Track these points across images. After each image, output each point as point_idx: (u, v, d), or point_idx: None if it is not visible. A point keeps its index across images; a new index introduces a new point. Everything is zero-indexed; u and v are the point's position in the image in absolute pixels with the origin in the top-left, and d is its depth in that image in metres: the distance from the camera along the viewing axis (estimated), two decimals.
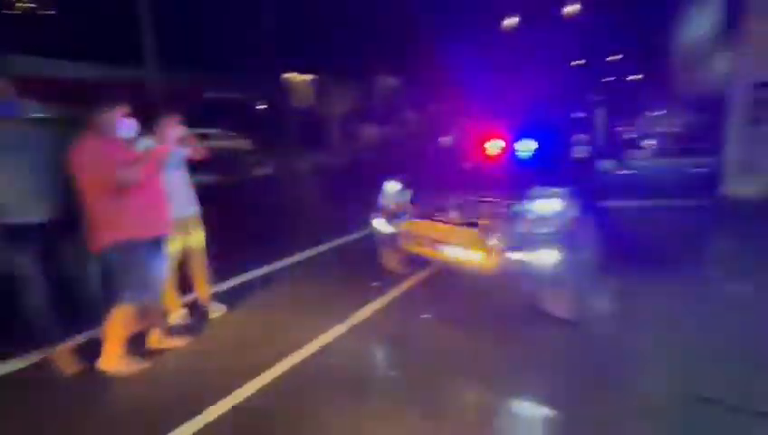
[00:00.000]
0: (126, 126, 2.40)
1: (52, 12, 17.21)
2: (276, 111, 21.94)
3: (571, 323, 2.94)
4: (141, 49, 10.07)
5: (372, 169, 13.93)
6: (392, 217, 3.34)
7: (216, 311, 3.27)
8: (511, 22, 22.41)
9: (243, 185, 11.22)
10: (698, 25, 7.62)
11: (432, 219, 3.08)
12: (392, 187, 3.45)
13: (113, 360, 2.52)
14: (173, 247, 3.00)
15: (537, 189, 2.79)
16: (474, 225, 2.90)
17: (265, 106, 23.48)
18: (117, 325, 2.47)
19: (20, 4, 17.29)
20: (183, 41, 17.12)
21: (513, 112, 4.37)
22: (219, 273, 3.95)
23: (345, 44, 22.97)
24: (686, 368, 2.46)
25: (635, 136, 3.57)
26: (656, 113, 3.66)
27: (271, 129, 20.97)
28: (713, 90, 7.33)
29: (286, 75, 25.13)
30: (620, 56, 33.94)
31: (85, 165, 2.25)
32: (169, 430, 2.02)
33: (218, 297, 3.49)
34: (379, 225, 3.45)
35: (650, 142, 3.36)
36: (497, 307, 3.36)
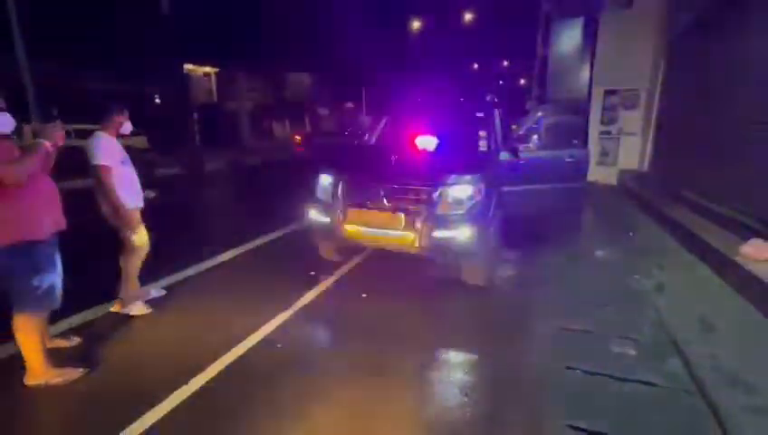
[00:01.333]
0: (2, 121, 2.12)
1: None
2: (176, 106, 20.13)
3: (483, 289, 3.56)
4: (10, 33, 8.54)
5: (289, 166, 13.83)
6: (328, 207, 3.58)
7: (140, 310, 3.24)
8: (417, 24, 23.74)
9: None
10: (566, 42, 9.20)
11: (365, 207, 3.41)
12: (325, 179, 3.68)
13: (39, 373, 2.37)
14: (142, 239, 3.15)
15: (453, 177, 3.29)
16: (403, 210, 3.30)
17: (162, 100, 21.32)
18: (26, 337, 2.30)
19: None
20: (66, 26, 14.79)
21: (429, 112, 4.92)
22: (147, 275, 3.82)
23: (253, 36, 21.97)
24: (564, 312, 3.21)
25: (524, 132, 4.34)
26: (539, 113, 4.48)
27: (171, 125, 19.20)
28: (577, 95, 8.94)
29: (187, 67, 23.18)
30: (507, 63, 38.16)
31: None
32: (117, 431, 2.00)
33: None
34: (316, 215, 3.67)
35: (535, 137, 4.13)
36: (423, 282, 3.86)
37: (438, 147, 4.12)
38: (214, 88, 26.75)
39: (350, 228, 3.45)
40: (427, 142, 4.06)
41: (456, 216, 3.24)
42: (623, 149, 8.64)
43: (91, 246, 3.57)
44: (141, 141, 18.48)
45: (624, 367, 2.50)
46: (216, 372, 2.46)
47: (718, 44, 5.29)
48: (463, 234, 3.19)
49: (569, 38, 8.87)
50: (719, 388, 2.21)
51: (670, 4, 7.35)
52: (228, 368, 2.51)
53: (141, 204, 3.21)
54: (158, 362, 2.61)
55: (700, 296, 3.39)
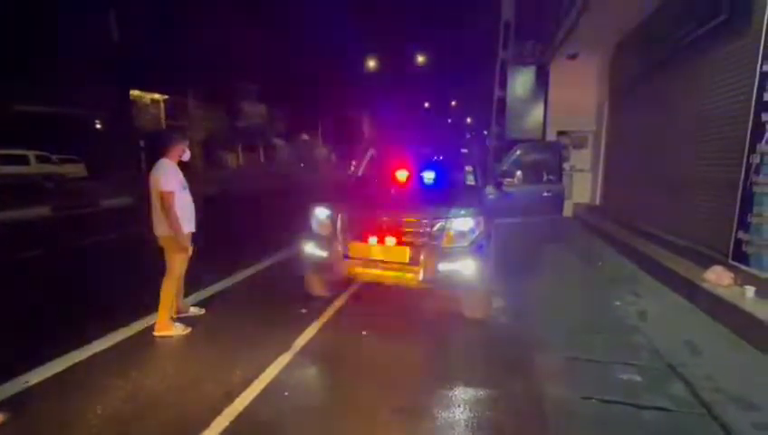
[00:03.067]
0: None
1: None
2: (120, 132, 18.84)
3: (481, 321, 3.57)
4: None
5: (249, 199, 13.32)
6: (326, 241, 3.46)
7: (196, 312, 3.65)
8: (372, 63, 24.67)
9: (92, 218, 9.22)
10: (520, 86, 10.06)
11: (368, 241, 3.33)
12: (322, 212, 3.58)
13: None
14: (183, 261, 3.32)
15: (455, 210, 3.35)
16: (407, 243, 3.28)
17: (104, 126, 19.88)
18: None
19: None
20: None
21: (418, 145, 5.05)
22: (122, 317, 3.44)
23: (206, 64, 21.49)
24: (563, 341, 3.30)
25: (507, 168, 4.59)
26: (518, 151, 4.78)
27: (113, 152, 17.84)
28: (532, 134, 9.69)
29: (133, 92, 22.02)
30: (455, 102, 40.65)
31: None
32: None
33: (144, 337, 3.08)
34: (312, 249, 3.52)
35: (519, 173, 4.38)
36: (423, 317, 3.79)
37: (433, 180, 4.20)
38: (162, 115, 25.58)
39: (351, 263, 3.34)
40: (421, 176, 4.13)
41: (460, 248, 3.27)
42: (576, 185, 9.40)
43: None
44: (78, 169, 16.96)
45: (635, 393, 2.59)
46: (221, 428, 2.19)
47: (653, 94, 6.07)
48: (467, 267, 3.21)
49: (523, 82, 9.74)
50: (726, 408, 2.35)
51: (612, 58, 8.36)
52: (236, 421, 2.24)
53: (194, 229, 3.44)
54: (158, 416, 2.27)
55: (679, 321, 3.66)
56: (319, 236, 3.54)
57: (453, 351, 3.22)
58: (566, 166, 9.51)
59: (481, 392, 2.63)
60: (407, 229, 3.32)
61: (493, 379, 2.77)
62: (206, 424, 2.19)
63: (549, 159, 4.91)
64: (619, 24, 7.01)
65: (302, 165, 29.56)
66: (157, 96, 25.04)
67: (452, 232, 3.31)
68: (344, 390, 2.69)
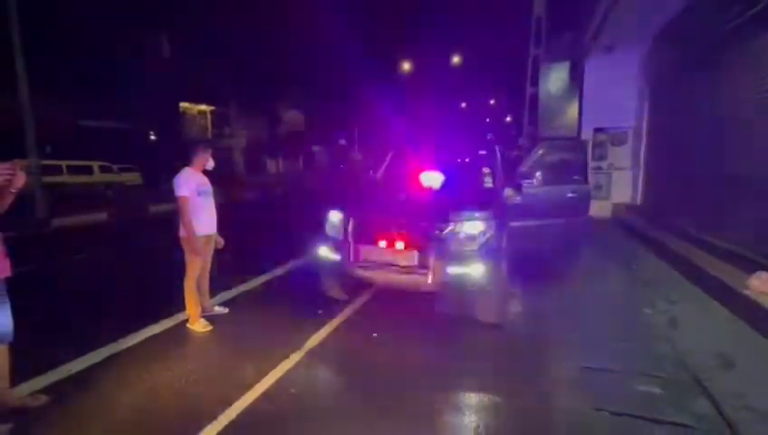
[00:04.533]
0: None
1: None
2: (171, 143, 20.27)
3: (496, 326, 3.50)
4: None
5: (285, 203, 13.83)
6: (339, 244, 3.55)
7: (220, 311, 3.90)
8: (407, 66, 24.74)
9: (139, 223, 10.02)
10: (554, 82, 9.67)
11: (378, 245, 3.38)
12: (335, 215, 3.68)
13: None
14: (197, 262, 3.50)
15: (465, 213, 3.32)
16: (415, 247, 3.29)
17: (158, 137, 21.46)
18: None
19: None
20: (61, 64, 15.05)
21: (436, 148, 5.04)
22: (156, 312, 3.74)
23: (248, 76, 22.61)
24: (581, 348, 3.16)
25: (526, 169, 4.45)
26: (540, 151, 4.62)
27: (165, 162, 19.24)
28: (567, 132, 9.28)
29: (182, 105, 23.60)
30: (494, 101, 39.68)
31: None
32: None
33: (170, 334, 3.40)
34: (326, 253, 3.63)
35: (538, 174, 4.24)
36: (433, 320, 3.77)
37: (447, 183, 4.18)
38: (209, 125, 27.17)
39: (362, 266, 3.41)
40: (435, 179, 4.12)
41: (470, 252, 3.24)
42: (615, 184, 8.89)
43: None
44: (135, 177, 18.44)
45: (652, 407, 2.43)
46: (228, 421, 2.32)
47: (699, 87, 5.62)
48: (477, 270, 3.17)
49: (557, 79, 9.34)
50: (753, 429, 2.16)
51: (651, 49, 7.85)
52: (241, 416, 2.37)
53: (212, 232, 3.66)
54: (168, 407, 2.46)
55: (713, 330, 3.38)
56: (332, 239, 3.63)
57: (464, 356, 3.18)
58: (604, 164, 9.04)
59: (489, 399, 2.58)
60: (416, 233, 3.33)
61: (503, 386, 2.71)
62: (214, 417, 2.34)
63: (574, 158, 4.69)
64: (658, 10, 6.57)
65: (342, 166, 30.16)
66: (203, 107, 26.62)
67: (461, 235, 3.28)
68: (348, 391, 2.75)
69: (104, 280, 5.17)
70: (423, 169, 4.21)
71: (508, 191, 4.25)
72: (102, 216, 10.08)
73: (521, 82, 11.54)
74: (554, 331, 3.51)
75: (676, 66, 6.50)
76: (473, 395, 2.63)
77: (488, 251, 3.27)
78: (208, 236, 3.63)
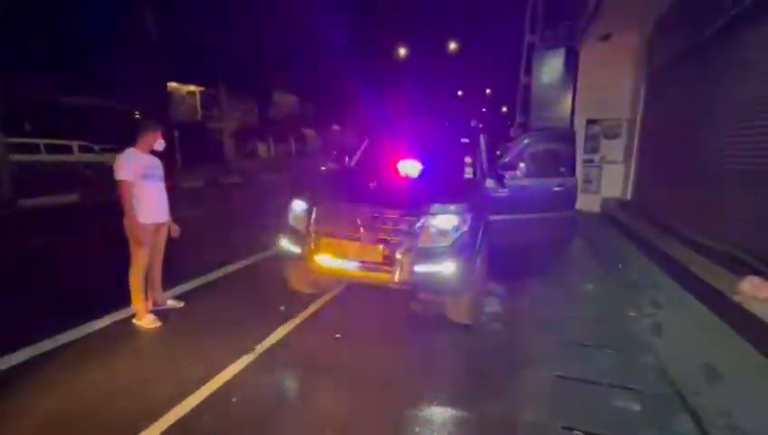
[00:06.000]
0: None
1: None
2: (159, 123, 19.65)
3: (468, 327, 3.25)
4: None
5: (271, 187, 13.44)
6: (300, 236, 3.25)
7: (175, 305, 3.59)
8: (403, 51, 24.15)
9: (113, 206, 9.58)
10: (548, 71, 9.32)
11: (340, 238, 3.09)
12: (298, 204, 3.37)
13: None
14: (142, 253, 3.18)
15: (437, 206, 3.02)
16: (381, 241, 3.00)
17: (144, 117, 20.79)
18: None
19: None
20: (46, 40, 14.38)
21: (413, 135, 4.71)
22: (107, 304, 3.47)
23: (239, 56, 21.89)
24: (559, 356, 2.92)
25: (509, 159, 4.16)
26: (525, 140, 4.32)
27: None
28: (559, 123, 8.99)
29: (171, 84, 22.87)
30: (489, 91, 39.25)
31: None
32: None
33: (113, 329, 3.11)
34: (286, 244, 3.33)
35: (522, 165, 3.95)
36: (405, 320, 3.52)
37: (422, 173, 3.88)
38: (198, 106, 26.44)
39: (322, 260, 3.12)
40: (409, 167, 3.82)
41: (440, 248, 2.95)
42: (606, 178, 8.64)
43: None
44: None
45: (629, 426, 2.21)
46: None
47: (701, 77, 5.33)
48: (447, 268, 2.89)
49: (550, 68, 8.99)
50: None
51: (649, 38, 7.52)
52: (169, 431, 2.09)
53: (161, 220, 3.33)
54: (94, 417, 2.17)
55: (700, 338, 3.16)
56: (294, 230, 3.33)
57: (430, 361, 2.93)
58: (596, 157, 8.77)
59: (449, 412, 2.33)
60: (382, 226, 3.04)
61: (466, 396, 2.47)
62: (138, 431, 2.06)
63: (562, 148, 4.41)
64: None
65: (334, 153, 29.55)
66: (193, 88, 25.86)
67: (432, 230, 2.99)
68: (296, 401, 2.48)
69: (57, 267, 4.82)
70: (399, 158, 3.90)
71: (489, 183, 3.96)
72: (75, 197, 9.65)
73: (517, 71, 11.19)
74: (530, 334, 3.28)
75: (676, 55, 6.19)
76: (435, 408, 2.37)
77: (462, 248, 2.99)
78: (158, 225, 3.31)
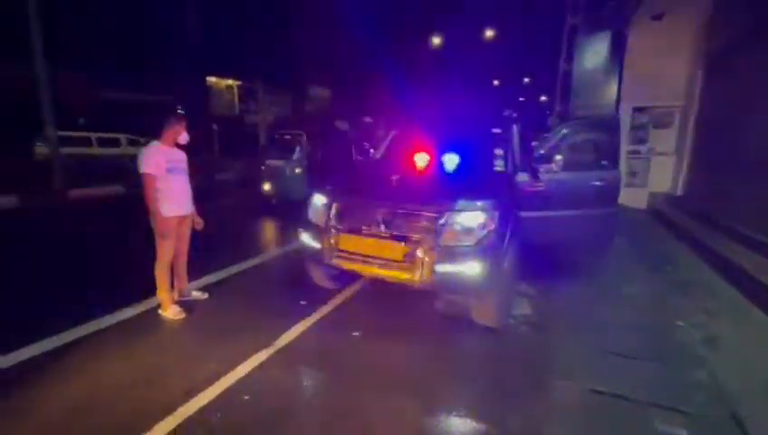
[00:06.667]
0: None
1: None
2: (197, 118, 20.41)
3: (495, 331, 3.05)
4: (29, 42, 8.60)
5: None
6: (320, 231, 3.17)
7: (199, 296, 3.62)
8: (437, 40, 23.60)
9: None
10: (591, 56, 8.69)
11: (360, 234, 2.98)
12: (319, 199, 3.29)
13: None
14: (167, 245, 3.22)
15: (462, 202, 2.84)
16: (402, 238, 2.86)
17: (185, 111, 21.68)
18: None
19: None
20: (84, 35, 15.25)
21: (439, 127, 4.50)
22: (138, 294, 3.54)
23: (276, 51, 22.25)
24: (594, 366, 2.67)
25: (545, 151, 3.86)
26: (563, 131, 4.00)
27: (191, 135, 19.37)
28: (603, 112, 8.38)
29: (209, 79, 23.64)
30: (528, 79, 37.62)
31: None
32: None
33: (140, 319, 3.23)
34: (307, 239, 3.26)
35: (558, 157, 3.65)
36: (427, 320, 3.36)
37: (447, 166, 3.68)
38: (236, 100, 27.19)
39: (341, 256, 3.02)
40: (435, 161, 3.63)
41: (465, 247, 2.77)
42: (654, 171, 7.98)
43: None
44: None
45: None
46: (168, 430, 2.04)
47: None
48: (472, 269, 2.71)
49: (594, 52, 8.37)
50: None
51: (710, 16, 6.78)
52: (173, 431, 2.06)
53: (184, 213, 3.34)
54: (110, 410, 2.20)
55: (761, 353, 2.79)
56: (313, 224, 3.26)
57: (450, 365, 2.77)
58: (643, 148, 8.12)
59: (467, 425, 2.18)
60: (402, 222, 2.89)
61: (487, 407, 2.30)
62: (150, 426, 2.06)
63: (604, 139, 4.03)
64: None
65: (366, 145, 29.53)
66: (230, 82, 26.59)
67: (456, 227, 2.81)
68: (309, 404, 2.40)
69: (97, 255, 5.05)
70: (424, 150, 3.72)
71: (522, 177, 3.70)
72: (120, 188, 10.19)
73: (557, 57, 10.54)
74: (562, 340, 3.03)
75: (745, 34, 5.52)
76: (452, 418, 2.22)
77: (488, 247, 2.79)
78: (181, 217, 3.33)
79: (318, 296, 3.65)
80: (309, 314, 3.34)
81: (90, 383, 2.44)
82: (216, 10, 19.71)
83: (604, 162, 3.97)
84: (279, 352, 2.81)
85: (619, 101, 8.12)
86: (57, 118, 9.09)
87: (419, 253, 2.77)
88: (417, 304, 3.54)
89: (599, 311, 3.54)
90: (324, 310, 3.46)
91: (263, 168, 8.08)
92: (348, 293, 3.79)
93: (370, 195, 3.12)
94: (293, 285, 3.92)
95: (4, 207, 7.77)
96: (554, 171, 3.66)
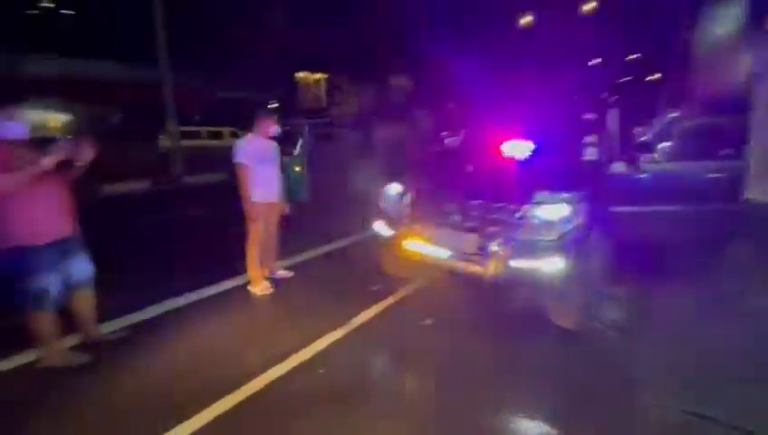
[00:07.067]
0: (11, 129, 2.33)
1: (71, 12, 17.46)
2: (288, 110, 22.03)
3: (575, 335, 2.83)
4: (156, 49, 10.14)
5: (382, 171, 13.89)
6: (393, 220, 3.24)
7: (285, 274, 3.96)
8: (526, 20, 22.02)
9: None
10: (720, 25, 7.33)
11: (434, 224, 2.97)
12: (393, 189, 3.35)
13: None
14: (261, 226, 3.55)
15: (543, 194, 2.66)
16: (476, 230, 2.79)
17: (276, 106, 23.53)
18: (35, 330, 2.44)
19: (41, 4, 17.62)
20: (196, 40, 17.33)
21: (523, 113, 4.23)
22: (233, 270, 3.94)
23: (357, 42, 22.87)
24: (691, 385, 2.32)
25: (649, 138, 3.40)
26: (672, 115, 3.48)
27: (283, 130, 20.98)
28: (734, 90, 7.03)
29: (298, 74, 25.23)
30: (637, 56, 33.10)
31: None
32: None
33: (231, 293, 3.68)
34: (380, 228, 3.36)
35: (662, 146, 3.19)
36: (500, 315, 3.25)
37: (530, 155, 3.46)
38: (323, 93, 28.61)
39: (413, 245, 3.05)
40: (515, 148, 3.44)
41: (545, 242, 2.60)
42: None
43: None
44: None
45: None
46: (243, 397, 2.27)
47: None
48: (551, 265, 2.54)
49: (726, 16, 7.02)
50: None
51: None
52: (255, 394, 2.30)
53: (273, 199, 3.64)
54: (196, 370, 2.56)
55: None
56: (386, 214, 3.34)
57: (523, 365, 2.64)
58: None
59: (537, 429, 2.08)
60: (477, 213, 2.81)
61: (563, 414, 2.16)
62: (235, 388, 2.30)
63: (726, 123, 3.42)
64: None
65: (444, 133, 28.85)
66: (318, 76, 28.03)
67: (535, 221, 2.65)
68: (377, 382, 2.51)
69: (201, 234, 5.76)
70: (504, 138, 3.54)
71: (618, 167, 3.32)
72: (224, 175, 11.52)
73: (672, 29, 9.11)
74: (655, 353, 2.67)
75: None
76: (524, 420, 2.13)
77: (571, 242, 2.59)
78: (269, 203, 3.66)
79: (391, 283, 3.73)
80: (382, 299, 3.46)
81: (187, 347, 2.83)
82: (303, 8, 20.82)
83: (726, 150, 3.37)
84: (354, 331, 2.98)
85: (756, 74, 6.73)
86: (177, 115, 10.61)
87: (493, 246, 2.68)
88: (492, 298, 3.41)
89: (706, 322, 3.05)
90: (397, 296, 3.54)
91: None
92: (419, 282, 3.81)
93: (447, 185, 3.09)
94: (368, 270, 4.06)
95: (141, 190, 9.43)
96: (657, 161, 3.21)
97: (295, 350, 2.70)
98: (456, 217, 2.87)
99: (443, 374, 2.49)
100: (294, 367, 2.54)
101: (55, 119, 14.35)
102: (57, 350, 2.53)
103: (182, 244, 5.33)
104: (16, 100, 2.46)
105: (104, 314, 2.93)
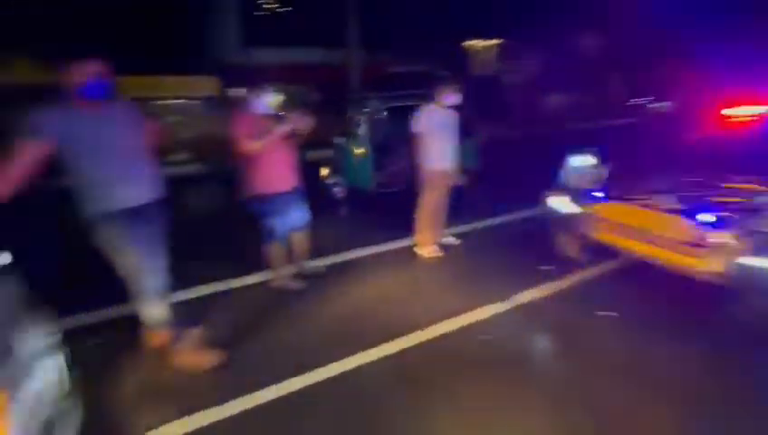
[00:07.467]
0: (261, 104, 2.99)
1: (289, 9, 20.87)
2: (452, 80, 21.66)
3: None
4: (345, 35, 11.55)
5: (549, 143, 12.49)
6: (577, 195, 2.93)
7: (451, 242, 4.12)
8: None
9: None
10: None
11: (633, 203, 2.56)
12: (581, 160, 3.00)
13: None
14: (435, 193, 3.71)
15: None
16: (691, 214, 2.28)
17: (447, 75, 23.45)
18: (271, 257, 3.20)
19: (267, 6, 21.70)
20: (374, 21, 18.56)
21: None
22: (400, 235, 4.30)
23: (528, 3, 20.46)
24: None
25: None
26: None
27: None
28: None
29: (468, 42, 24.39)
30: None
31: (230, 134, 2.90)
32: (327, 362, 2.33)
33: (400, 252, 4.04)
34: (558, 204, 3.09)
35: None
36: (712, 323, 2.59)
37: None
38: (493, 60, 26.98)
39: (603, 226, 2.71)
40: (759, 116, 2.60)
41: None
42: None
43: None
44: None
45: None
46: (409, 344, 2.49)
47: None
48: None
49: None
50: None
51: None
52: (421, 343, 2.51)
53: (448, 167, 3.73)
54: (368, 315, 2.91)
55: None
56: (569, 188, 3.03)
57: (703, 373, 2.12)
58: None
59: None
60: (699, 196, 2.28)
61: None
62: (394, 338, 2.54)
63: None
64: None
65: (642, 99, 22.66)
66: (489, 42, 26.46)
67: None
68: (539, 364, 2.41)
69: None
70: (745, 103, 2.70)
71: None
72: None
73: None
74: None
75: None
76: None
77: None
78: (444, 171, 3.76)
79: (563, 265, 3.41)
80: (551, 280, 3.22)
81: (350, 301, 3.16)
82: None
83: None
84: (518, 307, 2.89)
85: None
86: (379, 90, 11.89)
87: (716, 236, 2.15)
88: (700, 300, 2.70)
89: None
90: (572, 280, 3.23)
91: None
92: (600, 269, 3.36)
93: (655, 158, 2.60)
94: (537, 248, 3.80)
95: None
96: None
97: (456, 314, 2.79)
98: (666, 197, 2.39)
99: (622, 378, 2.16)
100: (454, 330, 2.63)
101: (277, 97, 17.98)
102: (283, 275, 3.30)
103: (364, 204, 5.95)
104: (254, 84, 3.17)
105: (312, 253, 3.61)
